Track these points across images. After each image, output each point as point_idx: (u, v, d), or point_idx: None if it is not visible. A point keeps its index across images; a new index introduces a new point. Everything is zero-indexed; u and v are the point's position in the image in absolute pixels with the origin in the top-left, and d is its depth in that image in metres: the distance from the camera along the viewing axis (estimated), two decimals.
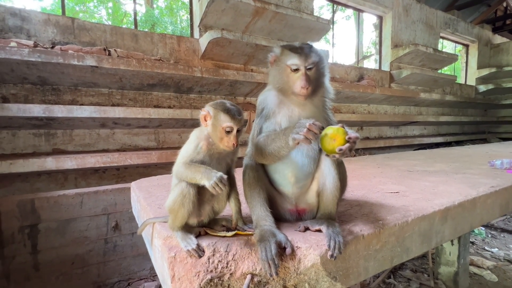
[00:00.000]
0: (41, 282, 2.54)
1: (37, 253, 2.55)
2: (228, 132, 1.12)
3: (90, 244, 2.76)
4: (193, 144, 1.17)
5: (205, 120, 1.16)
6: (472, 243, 3.69)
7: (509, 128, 9.69)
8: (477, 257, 3.29)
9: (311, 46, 1.23)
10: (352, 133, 1.06)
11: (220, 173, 1.04)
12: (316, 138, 1.05)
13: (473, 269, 3.01)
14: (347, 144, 1.03)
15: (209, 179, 1.03)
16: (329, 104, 1.34)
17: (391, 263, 1.28)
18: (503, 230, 4.15)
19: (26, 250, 2.51)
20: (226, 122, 1.11)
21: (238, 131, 1.14)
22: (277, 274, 0.97)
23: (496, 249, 3.59)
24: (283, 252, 1.05)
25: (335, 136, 1.05)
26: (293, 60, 1.18)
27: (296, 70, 1.19)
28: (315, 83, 1.22)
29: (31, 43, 2.97)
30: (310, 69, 1.19)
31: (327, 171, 1.21)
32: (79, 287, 2.68)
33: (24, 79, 3.08)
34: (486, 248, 3.64)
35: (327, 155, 1.11)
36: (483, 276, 2.91)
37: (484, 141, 9.29)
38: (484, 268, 3.07)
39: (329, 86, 1.31)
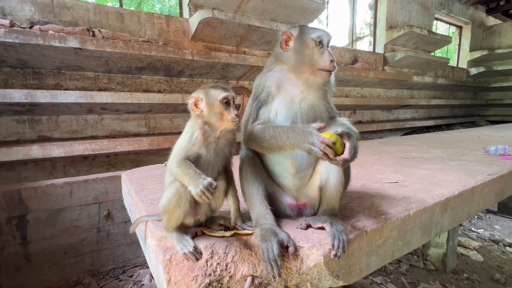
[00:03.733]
0: (33, 273, 2.50)
1: (27, 244, 2.48)
2: (227, 104, 1.07)
3: (82, 233, 2.70)
4: (187, 134, 1.09)
5: (197, 107, 1.09)
6: (460, 224, 3.81)
7: (498, 111, 9.83)
8: (464, 238, 3.40)
9: None
10: (347, 150, 1.01)
11: (208, 180, 0.97)
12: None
13: (460, 249, 3.12)
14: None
15: (195, 185, 0.96)
16: (331, 93, 1.27)
17: (392, 257, 1.27)
18: (489, 211, 4.29)
19: (16, 241, 2.44)
20: (220, 94, 1.07)
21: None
22: (280, 275, 0.94)
23: (482, 230, 3.71)
24: (285, 251, 1.01)
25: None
26: (320, 33, 1.15)
27: (321, 44, 1.14)
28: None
29: (7, 22, 2.74)
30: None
31: (330, 165, 1.16)
32: (72, 275, 2.65)
33: (2, 62, 2.88)
34: (473, 229, 3.77)
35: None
36: (470, 256, 3.02)
37: (473, 124, 9.44)
38: (470, 248, 3.18)
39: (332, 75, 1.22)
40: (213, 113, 1.07)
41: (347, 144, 1.02)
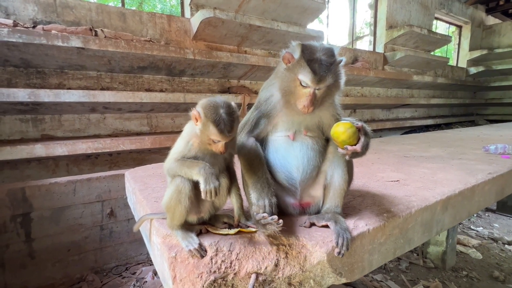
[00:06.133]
0: (37, 270, 2.52)
1: (31, 241, 2.50)
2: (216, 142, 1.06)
3: (85, 231, 2.73)
4: (184, 140, 1.11)
5: (196, 120, 1.07)
6: (459, 223, 3.83)
7: (497, 110, 9.85)
8: (463, 236, 3.43)
9: (332, 62, 1.08)
10: (360, 144, 1.06)
11: (219, 183, 1.00)
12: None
13: (459, 247, 3.15)
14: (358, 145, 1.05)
15: (206, 181, 0.98)
16: (338, 100, 1.28)
17: (394, 255, 1.29)
18: (488, 210, 4.31)
19: (20, 238, 2.46)
20: (213, 135, 1.03)
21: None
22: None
23: (481, 228, 3.74)
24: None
25: (344, 132, 1.06)
26: (305, 77, 1.07)
27: (306, 87, 1.09)
28: (322, 100, 1.15)
29: (10, 22, 2.76)
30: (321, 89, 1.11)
31: (335, 163, 1.18)
32: (76, 272, 2.67)
33: (5, 62, 2.90)
34: (472, 227, 3.79)
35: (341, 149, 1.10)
36: (469, 254, 3.05)
37: (472, 123, 9.46)
38: (469, 246, 3.21)
39: (342, 87, 1.21)
40: (203, 137, 1.06)
41: (362, 139, 1.06)
